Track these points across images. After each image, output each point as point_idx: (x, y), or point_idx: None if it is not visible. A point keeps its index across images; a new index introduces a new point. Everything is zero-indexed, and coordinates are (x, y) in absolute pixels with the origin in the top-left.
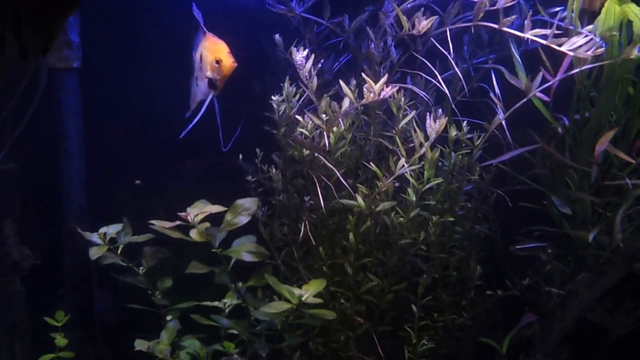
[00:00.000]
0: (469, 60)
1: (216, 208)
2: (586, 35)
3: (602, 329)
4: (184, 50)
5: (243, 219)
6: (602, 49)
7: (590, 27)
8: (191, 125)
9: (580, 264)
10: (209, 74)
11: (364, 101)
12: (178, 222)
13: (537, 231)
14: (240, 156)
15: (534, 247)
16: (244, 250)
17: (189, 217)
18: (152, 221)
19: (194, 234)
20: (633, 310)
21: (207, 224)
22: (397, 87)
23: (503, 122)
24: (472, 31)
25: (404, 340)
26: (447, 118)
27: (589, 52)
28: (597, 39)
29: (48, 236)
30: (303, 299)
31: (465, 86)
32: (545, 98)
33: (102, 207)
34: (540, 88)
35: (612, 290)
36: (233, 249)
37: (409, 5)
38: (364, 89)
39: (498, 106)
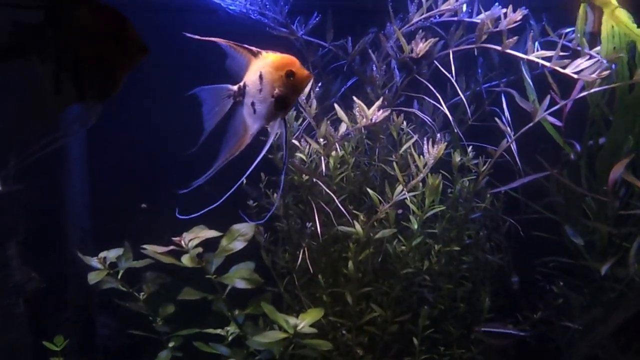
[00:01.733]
0: (481, 83)
1: (212, 233)
2: (590, 57)
3: None
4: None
5: (239, 245)
6: (608, 71)
7: (598, 48)
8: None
9: (596, 297)
10: (277, 91)
11: (357, 125)
12: (171, 247)
13: (552, 262)
14: (244, 181)
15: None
16: (238, 277)
17: (182, 242)
18: (144, 246)
19: (185, 260)
20: None
21: (200, 249)
22: (389, 111)
23: (513, 147)
24: (476, 54)
25: None
26: (445, 143)
27: (593, 75)
28: (604, 61)
29: (51, 260)
30: (298, 328)
31: (470, 110)
32: (557, 123)
33: (111, 230)
34: (549, 111)
35: (624, 328)
36: (227, 276)
37: (412, 28)
38: (356, 113)
39: (506, 130)
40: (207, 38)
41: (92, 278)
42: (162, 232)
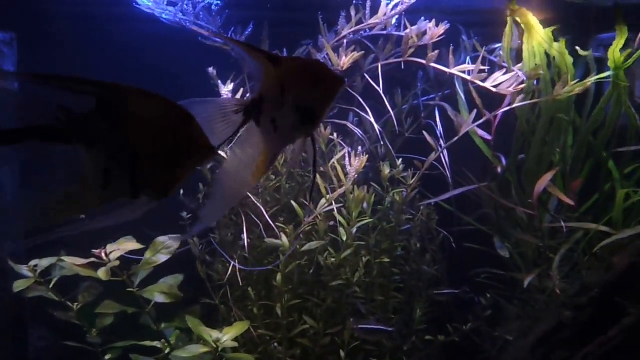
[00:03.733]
0: (419, 96)
1: (133, 245)
2: (506, 72)
3: None
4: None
5: (162, 257)
6: (523, 85)
7: (521, 65)
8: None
9: (524, 308)
10: (302, 103)
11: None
12: (92, 259)
13: (484, 273)
14: (182, 192)
15: (449, 292)
16: (158, 290)
17: (102, 255)
18: (62, 257)
19: (101, 273)
20: None
21: (117, 262)
22: (320, 125)
23: (444, 160)
24: (417, 68)
25: None
26: (366, 156)
27: (510, 89)
28: (523, 76)
29: None
30: (221, 342)
31: (406, 123)
32: (487, 136)
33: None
34: (476, 124)
35: (544, 340)
36: (148, 290)
37: (345, 41)
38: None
39: (436, 143)
40: (220, 37)
41: (18, 286)
42: (99, 242)
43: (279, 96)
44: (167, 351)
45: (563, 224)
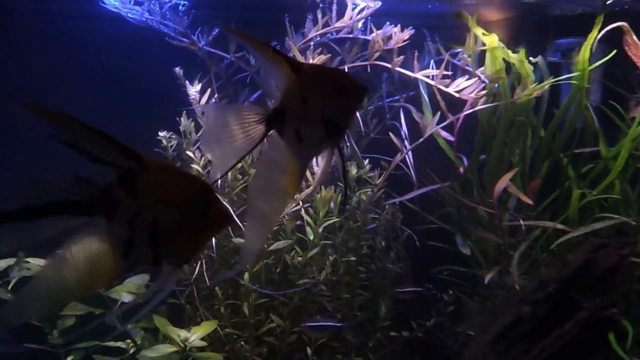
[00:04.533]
0: (384, 98)
1: None
2: (469, 78)
3: None
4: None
5: None
6: (485, 91)
7: (482, 68)
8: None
9: (485, 304)
10: (327, 113)
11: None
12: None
13: (447, 270)
14: None
15: (412, 291)
16: (125, 290)
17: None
18: (28, 259)
19: None
20: (522, 354)
21: None
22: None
23: (409, 161)
24: (382, 70)
25: None
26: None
27: (472, 94)
28: (485, 80)
29: None
30: (189, 342)
31: (372, 124)
32: (450, 137)
33: None
34: (440, 126)
35: (503, 334)
36: (114, 290)
37: (311, 44)
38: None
39: (401, 144)
40: (243, 34)
41: None
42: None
43: (301, 106)
44: (131, 351)
45: (522, 222)
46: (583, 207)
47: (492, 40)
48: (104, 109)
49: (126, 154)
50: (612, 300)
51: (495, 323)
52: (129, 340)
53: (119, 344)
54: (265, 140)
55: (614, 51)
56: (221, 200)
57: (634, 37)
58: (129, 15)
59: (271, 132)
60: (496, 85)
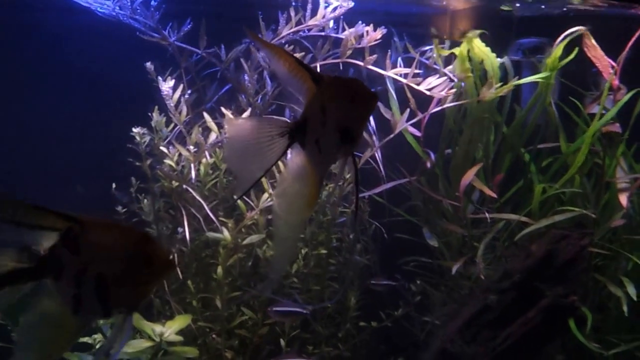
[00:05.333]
0: None
1: None
2: (440, 76)
3: None
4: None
5: None
6: (455, 89)
7: (451, 67)
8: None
9: (450, 294)
10: (341, 122)
11: (226, 135)
12: None
13: (412, 261)
14: (114, 185)
15: (386, 284)
16: None
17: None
18: None
19: None
20: (489, 341)
21: None
22: None
23: (377, 156)
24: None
25: None
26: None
27: (442, 92)
28: (455, 79)
29: None
30: (164, 336)
31: None
32: (417, 133)
33: None
34: (410, 123)
35: (470, 322)
36: None
37: (283, 41)
38: (224, 124)
39: (370, 140)
40: (268, 44)
41: None
42: None
43: (320, 116)
44: (98, 346)
45: (487, 215)
46: (544, 200)
47: (475, 43)
48: (74, 104)
49: (63, 218)
50: (573, 288)
51: (462, 311)
52: (95, 336)
53: (86, 339)
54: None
55: (576, 50)
56: (160, 246)
57: (593, 40)
58: (99, 9)
59: (294, 144)
60: (462, 83)
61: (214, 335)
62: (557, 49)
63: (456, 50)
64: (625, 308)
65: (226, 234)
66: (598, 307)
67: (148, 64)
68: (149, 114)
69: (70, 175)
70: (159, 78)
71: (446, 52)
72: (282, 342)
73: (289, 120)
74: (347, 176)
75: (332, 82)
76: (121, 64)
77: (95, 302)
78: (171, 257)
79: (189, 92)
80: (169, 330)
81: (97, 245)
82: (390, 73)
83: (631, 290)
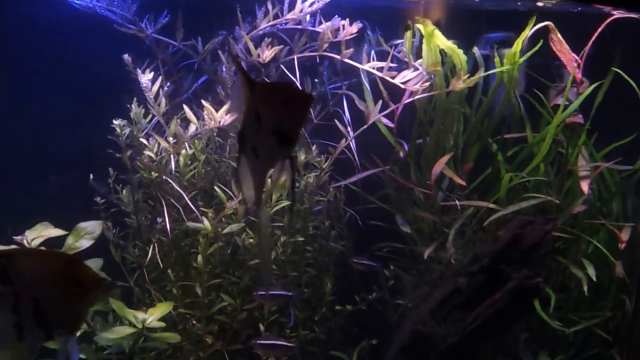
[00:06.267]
0: (326, 85)
1: (56, 232)
2: (415, 69)
3: (433, 339)
4: None
5: (85, 243)
6: (429, 83)
7: (421, 60)
8: None
9: (422, 278)
10: (276, 125)
11: (206, 127)
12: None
13: (385, 247)
14: (91, 176)
15: (368, 264)
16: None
17: (24, 241)
18: None
19: None
20: (459, 322)
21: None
22: (236, 116)
23: (352, 146)
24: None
25: (259, 357)
26: None
27: (416, 85)
28: (425, 72)
29: None
30: (147, 323)
31: (315, 110)
32: (390, 124)
33: None
34: (383, 114)
35: (441, 304)
36: None
37: (260, 32)
38: (205, 116)
39: (345, 130)
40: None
41: None
42: (4, 228)
43: (255, 122)
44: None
45: (458, 202)
46: (510, 187)
47: (435, 36)
48: (48, 96)
49: None
50: (537, 270)
51: (434, 294)
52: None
53: None
54: None
55: (540, 43)
56: (88, 267)
57: (559, 35)
58: (75, 2)
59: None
60: (432, 76)
61: (194, 322)
62: (517, 44)
63: (426, 44)
64: (585, 288)
65: (207, 223)
66: (560, 288)
67: (125, 56)
68: (127, 105)
69: (46, 166)
70: (138, 70)
71: (408, 43)
72: (262, 326)
73: None
74: (324, 166)
75: (265, 88)
76: (97, 56)
77: (35, 327)
78: (99, 276)
79: (168, 84)
80: (152, 316)
81: (27, 273)
82: (366, 67)
83: (591, 271)
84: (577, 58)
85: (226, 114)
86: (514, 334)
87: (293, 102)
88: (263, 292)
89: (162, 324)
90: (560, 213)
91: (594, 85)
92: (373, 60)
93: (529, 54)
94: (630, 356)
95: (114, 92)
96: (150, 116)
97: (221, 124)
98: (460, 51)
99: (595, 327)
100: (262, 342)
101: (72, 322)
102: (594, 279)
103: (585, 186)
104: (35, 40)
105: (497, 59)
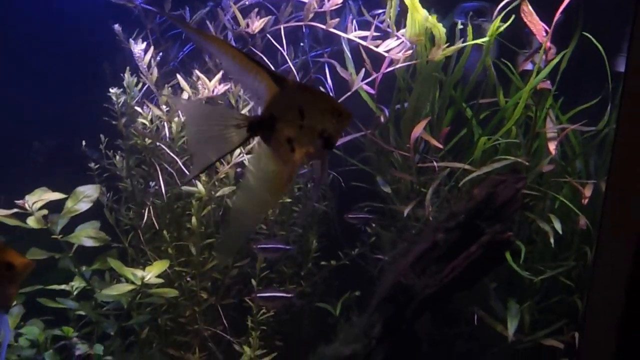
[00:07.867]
0: (308, 54)
1: (55, 195)
2: (398, 39)
3: (413, 290)
4: None
5: (84, 206)
6: (411, 51)
7: (403, 30)
8: None
9: (401, 235)
10: (325, 131)
11: (199, 96)
12: (15, 210)
13: (366, 207)
14: (84, 143)
15: (362, 217)
16: (85, 235)
17: (26, 205)
18: None
19: (31, 222)
20: (436, 274)
21: (45, 212)
22: (229, 85)
23: None
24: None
25: (250, 310)
26: None
27: (399, 54)
28: (408, 42)
29: None
30: (145, 280)
31: (298, 77)
32: (371, 90)
33: None
34: (365, 82)
35: (420, 258)
36: (74, 235)
37: (247, 3)
38: (199, 85)
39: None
40: (215, 38)
41: None
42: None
43: (297, 119)
44: (75, 292)
45: (435, 164)
46: (484, 149)
47: (416, 9)
48: (37, 64)
49: None
50: (508, 225)
51: (413, 249)
52: (73, 283)
53: (63, 286)
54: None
55: (512, 17)
56: (15, 252)
57: (529, 7)
58: None
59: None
60: (414, 45)
61: (188, 278)
62: (497, 18)
63: (410, 17)
64: (552, 240)
65: (200, 187)
66: (528, 240)
67: (116, 26)
68: (121, 74)
69: (38, 132)
70: (131, 40)
71: (393, 12)
72: (253, 281)
73: (247, 114)
74: None
75: (310, 92)
76: (87, 25)
77: None
78: (28, 260)
79: (160, 53)
80: (150, 273)
81: None
82: (351, 36)
83: (557, 225)
84: (547, 28)
85: (219, 84)
86: (483, 285)
87: (343, 116)
88: (262, 245)
89: (160, 280)
90: (529, 172)
91: (562, 54)
92: (355, 30)
93: (505, 25)
94: (589, 301)
95: (102, 61)
96: (140, 84)
97: (214, 93)
98: (440, 25)
99: (559, 276)
100: (262, 294)
101: (5, 301)
102: (560, 232)
103: (552, 147)
104: (22, 10)
105: (469, 28)
